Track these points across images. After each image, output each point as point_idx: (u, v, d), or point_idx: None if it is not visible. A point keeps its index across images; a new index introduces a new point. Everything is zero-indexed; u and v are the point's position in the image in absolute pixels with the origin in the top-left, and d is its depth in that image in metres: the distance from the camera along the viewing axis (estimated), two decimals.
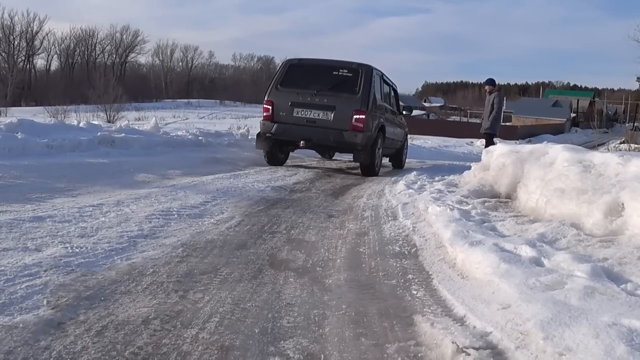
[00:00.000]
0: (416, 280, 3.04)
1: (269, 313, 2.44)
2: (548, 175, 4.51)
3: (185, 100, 69.41)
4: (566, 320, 2.05)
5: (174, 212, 4.28)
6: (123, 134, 8.64)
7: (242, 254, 3.37)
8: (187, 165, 7.60)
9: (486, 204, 4.93)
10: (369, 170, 8.59)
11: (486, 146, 8.96)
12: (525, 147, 5.71)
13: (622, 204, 3.48)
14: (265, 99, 8.67)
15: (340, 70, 8.59)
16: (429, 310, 2.55)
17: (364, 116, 8.15)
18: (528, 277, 2.59)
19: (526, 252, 3.03)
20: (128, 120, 24.49)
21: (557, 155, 4.75)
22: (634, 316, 2.06)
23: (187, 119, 41.99)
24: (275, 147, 8.83)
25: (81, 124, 9.29)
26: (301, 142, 8.40)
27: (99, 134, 8.23)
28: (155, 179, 6.13)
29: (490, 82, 10.82)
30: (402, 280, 3.04)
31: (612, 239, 3.33)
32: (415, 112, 41.18)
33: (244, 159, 9.35)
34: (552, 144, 5.43)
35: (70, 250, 3.04)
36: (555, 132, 46.66)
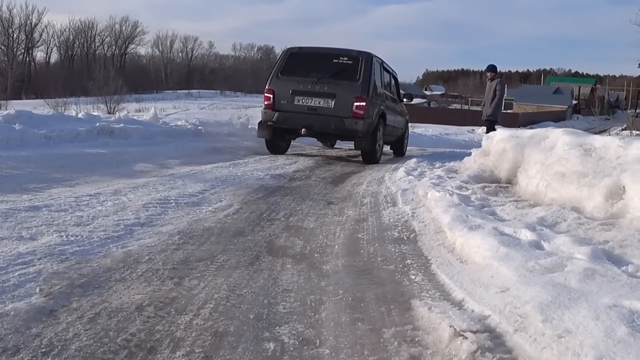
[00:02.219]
0: (415, 265, 3.01)
1: (265, 299, 2.41)
2: (548, 160, 4.46)
3: (186, 91, 69.27)
4: (566, 303, 2.02)
5: (172, 201, 4.25)
6: (122, 124, 8.60)
7: (239, 241, 3.34)
8: (186, 154, 7.56)
9: (486, 189, 4.89)
10: (370, 157, 8.55)
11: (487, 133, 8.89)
12: (526, 132, 5.65)
13: (623, 187, 3.44)
14: (266, 87, 8.65)
15: (341, 58, 8.56)
16: (427, 295, 2.52)
17: (364, 103, 8.11)
18: (527, 260, 2.55)
19: (526, 235, 2.99)
20: (128, 111, 24.39)
21: (557, 139, 4.70)
22: (634, 297, 2.02)
23: (187, 109, 41.89)
24: (277, 136, 8.80)
25: (80, 115, 9.25)
26: (302, 129, 8.39)
27: (97, 124, 8.20)
28: (153, 168, 6.09)
29: (492, 68, 10.69)
30: (401, 266, 3.01)
31: (613, 222, 3.29)
32: (416, 101, 41.03)
33: (243, 148, 9.32)
34: (553, 128, 5.38)
35: (65, 239, 3.01)
36: (556, 119, 46.51)
